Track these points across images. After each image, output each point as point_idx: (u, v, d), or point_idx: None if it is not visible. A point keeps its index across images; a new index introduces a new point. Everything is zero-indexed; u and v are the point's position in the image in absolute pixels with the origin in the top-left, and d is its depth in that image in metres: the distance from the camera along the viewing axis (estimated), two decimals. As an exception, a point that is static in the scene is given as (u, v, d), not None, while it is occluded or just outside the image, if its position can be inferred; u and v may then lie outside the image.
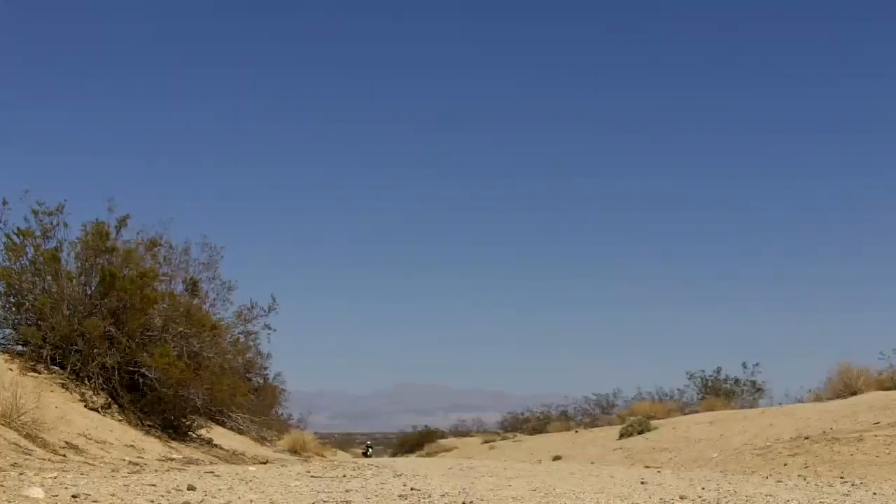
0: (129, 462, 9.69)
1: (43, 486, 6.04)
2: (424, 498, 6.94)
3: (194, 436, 15.04)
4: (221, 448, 15.24)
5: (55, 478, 6.76)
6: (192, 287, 15.32)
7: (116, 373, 13.23)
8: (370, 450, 47.18)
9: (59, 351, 13.13)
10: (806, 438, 13.10)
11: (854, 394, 17.60)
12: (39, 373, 12.60)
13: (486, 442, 36.44)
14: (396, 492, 7.47)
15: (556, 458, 20.59)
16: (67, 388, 12.61)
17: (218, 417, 16.52)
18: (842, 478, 10.11)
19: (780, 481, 10.00)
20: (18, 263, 13.49)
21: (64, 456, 9.10)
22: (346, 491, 7.47)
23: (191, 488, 6.83)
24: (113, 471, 8.22)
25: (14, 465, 7.50)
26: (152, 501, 5.95)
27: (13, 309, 13.67)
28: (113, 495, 6.01)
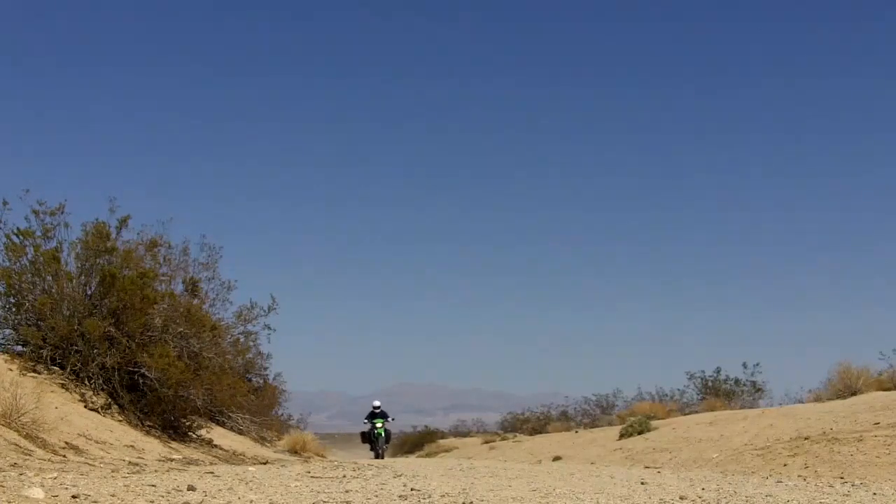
0: (129, 462, 9.68)
1: (43, 486, 6.04)
2: (424, 498, 6.93)
3: (194, 436, 15.03)
4: (221, 448, 15.23)
5: (55, 478, 6.76)
6: (192, 287, 15.32)
7: (116, 373, 13.23)
8: (379, 426, 23.95)
9: (58, 351, 13.13)
10: (806, 439, 13.09)
11: (854, 394, 17.60)
12: (39, 373, 12.60)
13: (486, 442, 36.37)
14: (396, 492, 7.46)
15: (556, 458, 20.58)
16: (67, 389, 12.61)
17: (218, 418, 16.53)
18: (842, 478, 10.11)
19: (780, 482, 10.00)
20: (18, 263, 13.49)
21: (64, 456, 9.10)
22: (346, 491, 7.47)
23: (191, 489, 6.83)
24: (113, 471, 8.22)
25: (14, 465, 7.50)
26: (152, 502, 5.95)
27: (13, 309, 13.67)
28: (113, 496, 6.01)
